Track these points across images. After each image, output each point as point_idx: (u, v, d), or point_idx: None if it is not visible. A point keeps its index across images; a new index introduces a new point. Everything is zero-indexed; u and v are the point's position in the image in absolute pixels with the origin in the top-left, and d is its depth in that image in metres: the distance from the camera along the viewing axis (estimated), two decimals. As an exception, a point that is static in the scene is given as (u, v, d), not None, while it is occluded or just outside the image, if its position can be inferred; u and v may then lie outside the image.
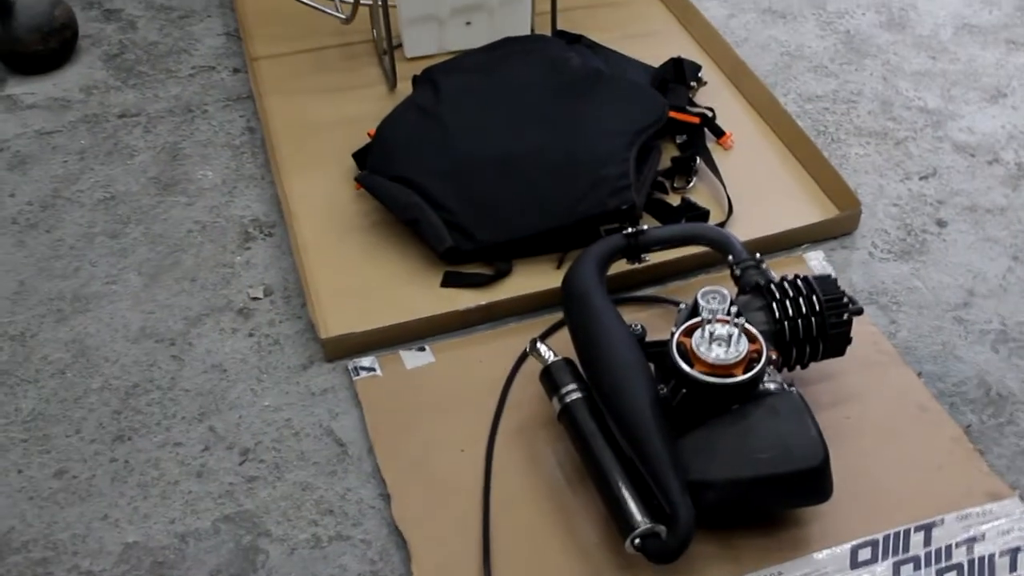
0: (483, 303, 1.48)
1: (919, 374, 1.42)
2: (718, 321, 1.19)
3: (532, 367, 1.34)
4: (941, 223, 1.66)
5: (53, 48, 1.96)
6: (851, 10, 2.16)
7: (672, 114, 1.71)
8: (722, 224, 1.60)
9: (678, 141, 1.74)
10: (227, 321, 1.50)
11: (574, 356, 1.29)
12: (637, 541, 1.12)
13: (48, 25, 1.93)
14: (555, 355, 1.30)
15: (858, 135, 1.84)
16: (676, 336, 1.20)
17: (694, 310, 1.25)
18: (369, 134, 1.69)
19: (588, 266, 1.38)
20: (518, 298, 1.49)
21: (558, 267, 1.54)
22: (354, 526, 1.25)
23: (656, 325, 1.35)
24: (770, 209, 1.64)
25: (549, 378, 1.29)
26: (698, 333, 1.19)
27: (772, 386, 1.21)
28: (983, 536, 1.22)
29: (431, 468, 1.29)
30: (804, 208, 1.66)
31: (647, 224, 1.48)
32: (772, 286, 1.29)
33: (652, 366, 1.25)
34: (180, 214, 1.67)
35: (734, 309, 1.21)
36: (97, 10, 2.14)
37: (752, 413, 1.17)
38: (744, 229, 1.56)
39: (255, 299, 1.53)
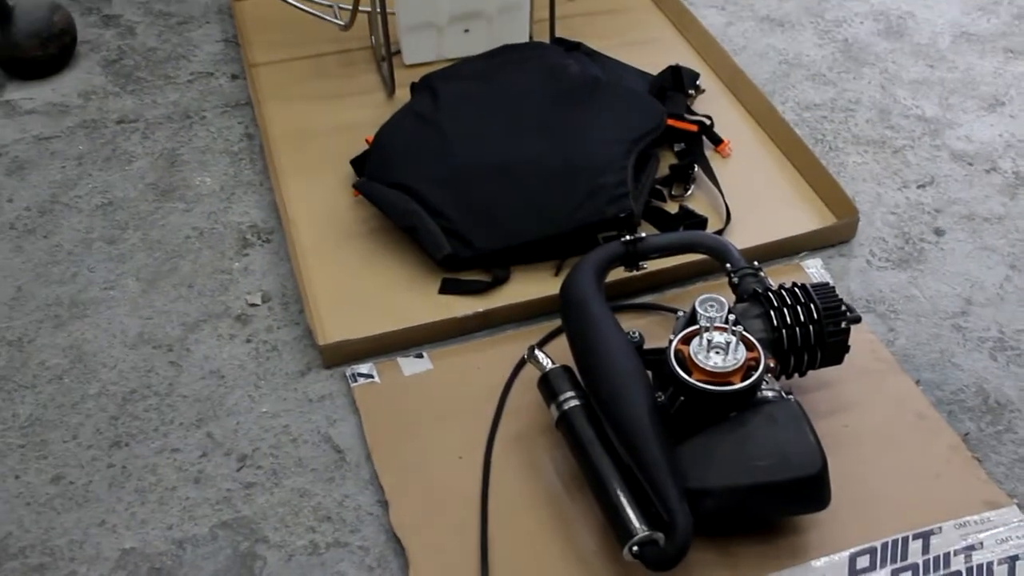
0: (481, 310, 1.48)
1: (917, 382, 1.42)
2: (716, 329, 1.19)
3: (530, 374, 1.34)
4: (939, 231, 1.66)
5: (52, 54, 1.96)
6: (849, 18, 2.16)
7: (670, 122, 1.71)
8: (720, 232, 1.60)
9: (676, 149, 1.74)
10: (225, 327, 1.49)
11: (572, 363, 1.29)
12: (635, 548, 1.12)
13: (47, 31, 1.94)
14: (553, 362, 1.30)
15: (856, 143, 1.84)
16: (674, 344, 1.20)
17: (692, 318, 1.25)
18: (367, 141, 1.69)
19: (586, 273, 1.38)
20: (516, 305, 1.49)
21: (556, 274, 1.54)
22: (352, 533, 1.25)
23: (654, 333, 1.35)
24: (768, 217, 1.64)
25: (547, 385, 1.29)
26: (696, 341, 1.19)
27: (770, 394, 1.21)
28: (981, 544, 1.22)
29: (429, 475, 1.29)
30: (802, 216, 1.66)
31: (645, 232, 1.48)
32: (770, 294, 1.30)
33: (650, 374, 1.25)
34: (178, 220, 1.67)
35: (732, 317, 1.21)
36: (96, 16, 2.15)
37: (750, 421, 1.17)
38: (742, 237, 1.56)
39: (253, 305, 1.53)
